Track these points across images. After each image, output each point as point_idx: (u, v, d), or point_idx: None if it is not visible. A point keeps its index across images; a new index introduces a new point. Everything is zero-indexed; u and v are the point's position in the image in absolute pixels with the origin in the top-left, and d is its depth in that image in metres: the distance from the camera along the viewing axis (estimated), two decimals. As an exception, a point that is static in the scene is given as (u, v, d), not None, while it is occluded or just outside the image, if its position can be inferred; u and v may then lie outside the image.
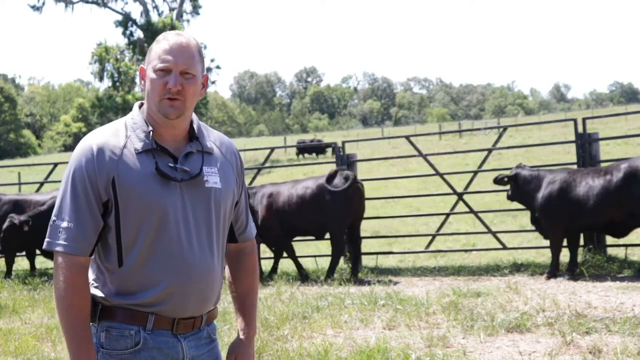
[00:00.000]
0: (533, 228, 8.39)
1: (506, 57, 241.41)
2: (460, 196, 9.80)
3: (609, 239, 8.62)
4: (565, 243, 7.78)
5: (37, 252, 9.86)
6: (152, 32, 36.20)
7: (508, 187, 8.30)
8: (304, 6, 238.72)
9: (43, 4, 37.68)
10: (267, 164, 11.65)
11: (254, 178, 10.97)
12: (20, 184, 12.58)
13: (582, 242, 8.26)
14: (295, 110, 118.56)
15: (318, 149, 34.87)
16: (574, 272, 7.65)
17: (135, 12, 72.89)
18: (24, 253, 10.08)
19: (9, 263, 9.67)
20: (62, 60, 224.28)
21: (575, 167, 8.59)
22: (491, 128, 11.97)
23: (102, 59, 38.06)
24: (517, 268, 8.32)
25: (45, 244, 2.03)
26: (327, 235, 8.73)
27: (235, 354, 2.27)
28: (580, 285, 7.15)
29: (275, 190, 8.67)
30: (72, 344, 1.98)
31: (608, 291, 6.75)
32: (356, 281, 8.25)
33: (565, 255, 7.91)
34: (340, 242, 8.51)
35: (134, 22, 38.44)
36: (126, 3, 38.86)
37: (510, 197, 8.24)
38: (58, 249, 1.99)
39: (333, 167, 9.91)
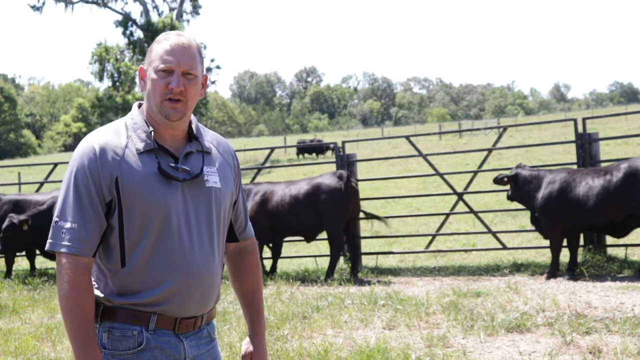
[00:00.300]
0: (533, 228, 8.40)
1: (506, 57, 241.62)
2: (460, 196, 9.81)
3: (609, 239, 8.63)
4: (565, 243, 7.79)
5: (37, 252, 9.85)
6: (152, 32, 36.19)
7: (508, 187, 8.31)
8: (304, 6, 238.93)
9: (43, 4, 37.65)
10: (267, 164, 11.66)
11: (254, 178, 10.96)
12: (20, 184, 12.57)
13: (582, 242, 8.27)
14: (295, 110, 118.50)
15: (318, 149, 34.85)
16: (574, 272, 7.66)
17: (135, 12, 72.77)
18: (24, 253, 10.08)
19: (9, 263, 9.67)
20: (62, 60, 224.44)
21: (575, 167, 8.60)
22: (491, 128, 11.97)
23: (102, 59, 38.06)
24: (517, 268, 8.33)
25: (48, 245, 2.00)
26: (319, 236, 8.90)
27: (250, 352, 2.28)
28: (580, 285, 7.15)
29: (269, 189, 8.79)
30: (78, 344, 1.96)
31: (608, 291, 6.75)
32: (356, 281, 8.26)
33: (565, 255, 7.92)
34: (337, 241, 8.54)
35: (134, 22, 38.42)
36: (126, 3, 38.82)
37: (510, 197, 8.24)
38: (62, 250, 1.97)
39: (333, 167, 9.92)
